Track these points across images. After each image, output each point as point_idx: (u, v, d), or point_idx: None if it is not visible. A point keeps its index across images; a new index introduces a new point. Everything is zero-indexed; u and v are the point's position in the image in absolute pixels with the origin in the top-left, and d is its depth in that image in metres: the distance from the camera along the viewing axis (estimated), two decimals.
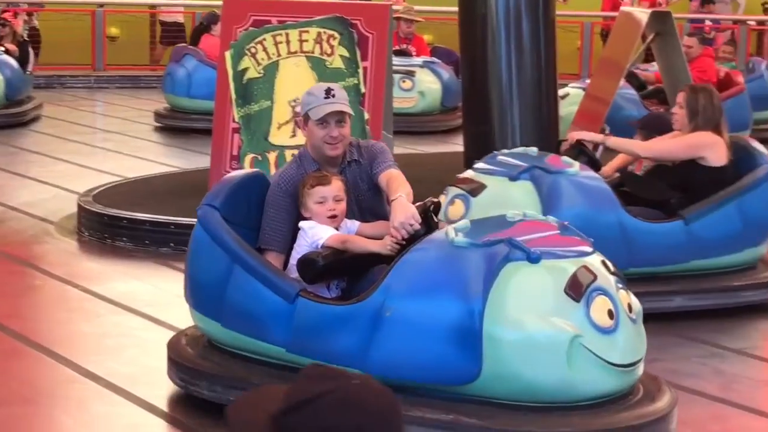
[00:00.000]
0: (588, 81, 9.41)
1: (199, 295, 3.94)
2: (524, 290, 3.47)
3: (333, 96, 3.97)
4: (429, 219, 3.71)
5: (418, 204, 3.76)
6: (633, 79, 9.50)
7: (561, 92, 8.65)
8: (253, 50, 6.62)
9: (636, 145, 5.36)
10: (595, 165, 5.26)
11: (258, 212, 3.99)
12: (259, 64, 6.63)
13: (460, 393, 3.46)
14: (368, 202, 4.05)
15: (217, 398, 3.74)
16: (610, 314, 3.44)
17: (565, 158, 5.17)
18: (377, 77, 6.66)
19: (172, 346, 4.02)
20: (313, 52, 6.67)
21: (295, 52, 6.67)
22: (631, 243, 4.84)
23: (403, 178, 3.93)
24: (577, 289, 3.42)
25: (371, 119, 6.45)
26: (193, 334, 4.11)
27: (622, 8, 10.06)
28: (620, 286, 3.59)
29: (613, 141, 5.33)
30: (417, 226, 3.59)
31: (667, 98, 8.27)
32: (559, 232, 3.71)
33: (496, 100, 7.07)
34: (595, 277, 3.48)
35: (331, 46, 6.66)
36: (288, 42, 6.67)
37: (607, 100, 7.85)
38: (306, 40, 6.66)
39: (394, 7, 9.49)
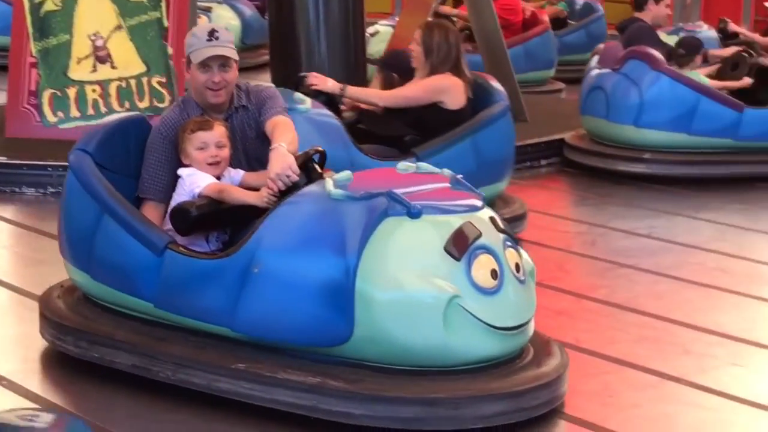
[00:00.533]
0: (397, 19, 9.56)
1: (69, 246, 3.76)
2: (401, 247, 3.24)
3: (216, 39, 3.75)
4: (310, 170, 3.52)
5: (300, 154, 3.57)
6: (442, 18, 9.58)
7: (370, 30, 9.22)
8: None
9: (373, 94, 5.38)
10: (333, 104, 5.30)
11: (138, 159, 3.81)
12: None
13: (333, 355, 3.29)
14: (256, 151, 3.84)
15: (83, 355, 3.57)
16: (494, 274, 3.24)
17: (298, 95, 5.18)
18: (180, 11, 6.73)
19: (44, 300, 3.84)
20: None
21: None
22: None
23: (291, 125, 3.75)
24: (459, 246, 3.21)
25: (174, 54, 6.50)
26: (69, 287, 3.93)
27: None
28: (509, 243, 3.38)
29: (352, 91, 5.29)
30: (294, 178, 3.40)
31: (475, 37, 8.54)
32: (450, 185, 3.51)
33: (304, 39, 7.22)
34: (480, 234, 3.26)
35: None
36: None
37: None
38: None
39: None
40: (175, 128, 3.74)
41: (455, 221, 3.28)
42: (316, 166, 3.57)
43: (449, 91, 5.25)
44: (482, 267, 3.23)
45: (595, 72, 7.26)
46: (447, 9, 10.05)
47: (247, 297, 3.31)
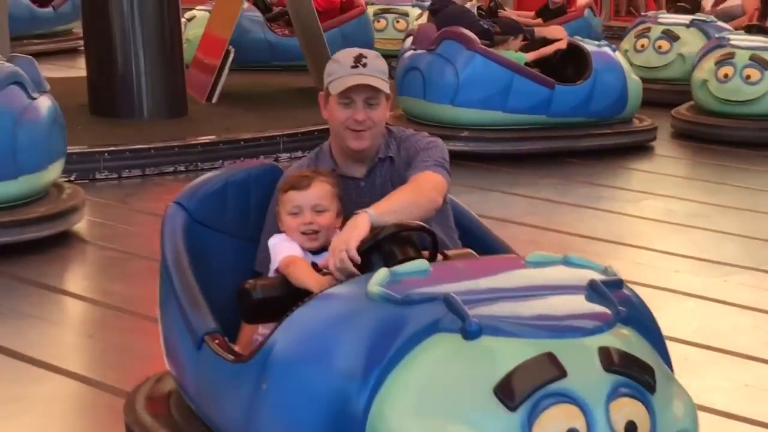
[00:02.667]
0: (213, 4, 9.97)
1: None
2: (440, 378, 2.35)
3: (364, 66, 3.04)
4: (387, 253, 2.73)
5: (376, 229, 2.75)
6: (259, 2, 10.55)
7: (187, 15, 9.92)
8: None
9: None
10: None
11: (261, 219, 3.20)
12: None
13: None
14: None
15: None
16: None
17: None
18: None
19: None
20: None
21: None
22: None
23: (427, 186, 2.96)
24: (514, 390, 2.28)
25: None
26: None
27: None
28: (624, 391, 2.34)
29: None
30: (349, 266, 2.67)
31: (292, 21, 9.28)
32: (585, 293, 2.52)
33: (118, 22, 7.76)
34: (560, 374, 2.28)
35: None
36: None
37: (229, 24, 8.64)
38: None
39: None
40: None
41: (526, 350, 2.31)
42: (402, 249, 2.74)
43: None
44: (554, 422, 2.26)
45: (410, 53, 7.52)
46: None
47: (257, 413, 2.71)
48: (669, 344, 2.68)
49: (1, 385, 4.07)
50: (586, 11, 10.76)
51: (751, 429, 3.72)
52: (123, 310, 4.82)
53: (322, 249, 2.88)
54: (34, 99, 5.54)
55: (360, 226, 2.70)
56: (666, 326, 2.74)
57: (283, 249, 2.92)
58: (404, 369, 2.35)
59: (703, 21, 9.65)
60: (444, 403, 2.30)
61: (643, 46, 9.48)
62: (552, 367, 2.26)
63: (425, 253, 2.78)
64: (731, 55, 8.11)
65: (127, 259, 5.58)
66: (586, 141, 7.67)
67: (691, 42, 9.30)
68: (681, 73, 9.15)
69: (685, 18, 9.71)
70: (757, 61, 8.05)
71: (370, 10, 11.03)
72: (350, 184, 3.09)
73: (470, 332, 2.30)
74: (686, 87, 8.74)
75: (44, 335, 4.62)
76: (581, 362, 2.30)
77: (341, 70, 3.00)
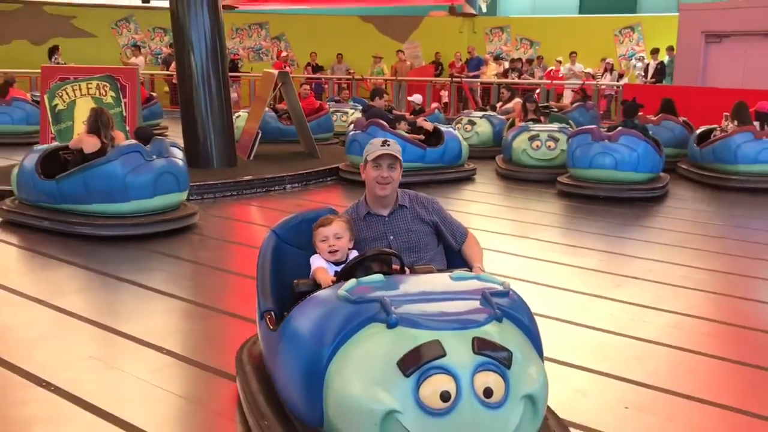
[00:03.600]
0: (250, 108, 15.16)
1: None
2: (366, 353, 3.26)
3: (388, 145, 4.43)
4: (366, 268, 3.97)
5: (354, 259, 4.07)
6: (272, 108, 15.82)
7: (236, 114, 14.91)
8: (60, 93, 11.13)
9: None
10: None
11: None
12: (64, 101, 11.09)
13: None
14: (417, 243, 4.48)
15: None
16: (445, 396, 3.10)
17: None
18: (131, 108, 11.56)
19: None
20: (94, 94, 11.24)
21: (84, 95, 11.25)
22: None
23: (476, 242, 4.65)
24: (410, 362, 3.14)
25: (130, 131, 10.56)
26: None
27: (264, 70, 15.51)
28: (488, 367, 3.19)
29: None
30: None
31: (291, 117, 14.39)
32: (479, 300, 3.45)
33: (199, 113, 12.13)
34: (442, 354, 3.14)
35: (105, 91, 11.28)
36: (80, 89, 11.24)
37: (258, 119, 13.45)
38: (90, 87, 11.23)
39: None
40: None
41: (423, 337, 3.19)
42: (379, 266, 3.95)
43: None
44: (432, 387, 3.12)
45: (352, 132, 12.31)
46: (282, 106, 15.81)
47: (276, 363, 3.79)
48: None
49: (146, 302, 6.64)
50: (436, 111, 16.71)
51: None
52: (220, 269, 7.65)
53: (341, 262, 4.24)
54: (167, 157, 8.91)
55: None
56: None
57: (315, 262, 4.25)
58: (351, 344, 3.34)
59: (490, 115, 15.68)
60: (369, 368, 3.23)
61: (466, 129, 15.47)
62: (437, 349, 3.15)
63: (396, 268, 3.98)
64: (537, 135, 12.78)
65: (212, 238, 8.90)
66: (442, 176, 12.34)
67: (484, 126, 15.45)
68: (480, 142, 15.15)
69: (480, 114, 15.83)
70: (552, 138, 12.77)
71: (332, 110, 16.91)
72: (379, 220, 4.53)
73: (391, 323, 3.26)
74: (486, 149, 14.74)
75: (172, 281, 7.18)
76: (459, 346, 3.18)
77: (374, 148, 4.41)
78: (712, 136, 12.94)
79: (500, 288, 3.56)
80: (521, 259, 8.10)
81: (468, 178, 12.94)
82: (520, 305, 3.62)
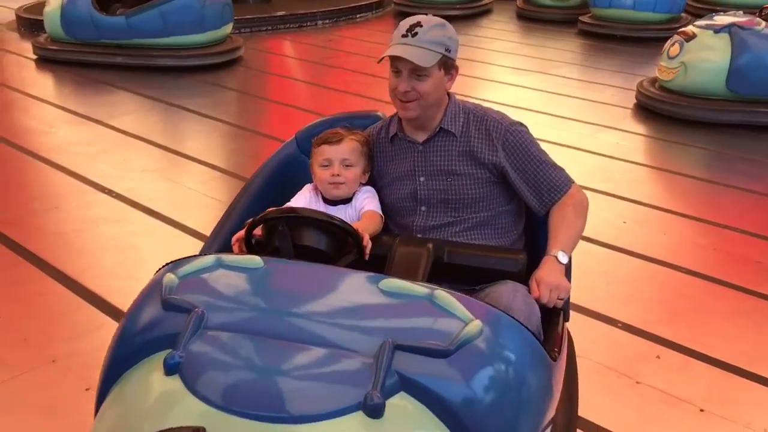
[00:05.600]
0: None
1: None
2: (127, 397, 1.88)
3: (413, 35, 2.62)
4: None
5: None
6: None
7: None
8: None
9: None
10: None
11: None
12: None
13: None
14: (438, 193, 2.80)
15: None
16: None
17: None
18: None
19: None
20: None
21: None
22: None
23: (579, 206, 2.74)
24: None
25: None
26: None
27: None
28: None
29: None
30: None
31: None
32: (368, 358, 1.75)
33: None
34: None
35: None
36: None
37: None
38: None
39: None
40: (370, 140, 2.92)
41: (191, 412, 1.71)
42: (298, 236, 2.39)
43: None
44: None
45: None
46: None
47: None
48: None
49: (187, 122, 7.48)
50: None
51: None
52: (260, 97, 8.43)
53: (340, 201, 2.79)
54: None
55: (555, 271, 2.54)
56: None
57: (299, 197, 2.81)
58: (129, 375, 1.93)
59: None
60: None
61: None
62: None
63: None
64: None
65: (252, 69, 9.67)
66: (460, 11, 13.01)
67: None
68: None
69: None
70: None
71: None
72: (410, 147, 2.84)
73: (168, 365, 1.77)
74: None
75: (217, 106, 7.92)
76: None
77: (394, 37, 2.66)
78: None
79: (449, 339, 1.84)
80: (538, 92, 8.61)
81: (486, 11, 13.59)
82: (482, 372, 1.86)
